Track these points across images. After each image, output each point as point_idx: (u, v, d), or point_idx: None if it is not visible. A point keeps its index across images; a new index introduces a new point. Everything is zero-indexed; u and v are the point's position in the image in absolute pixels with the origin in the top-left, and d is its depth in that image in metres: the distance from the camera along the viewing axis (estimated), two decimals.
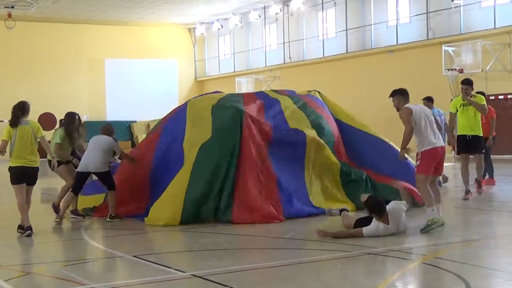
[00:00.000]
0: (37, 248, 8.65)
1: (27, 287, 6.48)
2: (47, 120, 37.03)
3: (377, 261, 7.24)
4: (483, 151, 12.26)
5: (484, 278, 6.32)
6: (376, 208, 8.44)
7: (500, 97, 24.79)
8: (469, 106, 11.82)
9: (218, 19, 39.36)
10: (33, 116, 36.35)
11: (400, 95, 9.30)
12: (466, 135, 11.94)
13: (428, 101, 14.08)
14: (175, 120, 11.64)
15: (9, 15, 33.42)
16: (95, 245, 8.54)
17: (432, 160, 8.93)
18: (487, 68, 24.50)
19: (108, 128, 11.17)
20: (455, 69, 25.15)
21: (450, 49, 25.70)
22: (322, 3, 32.82)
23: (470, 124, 11.89)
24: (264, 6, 36.06)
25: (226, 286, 6.01)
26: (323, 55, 32.65)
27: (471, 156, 12.22)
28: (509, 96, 24.56)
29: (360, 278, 6.36)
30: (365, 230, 8.33)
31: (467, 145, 12.00)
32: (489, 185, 14.08)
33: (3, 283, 6.31)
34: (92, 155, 10.54)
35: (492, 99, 24.94)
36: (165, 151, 11.16)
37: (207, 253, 7.80)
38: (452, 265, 6.73)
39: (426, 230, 8.59)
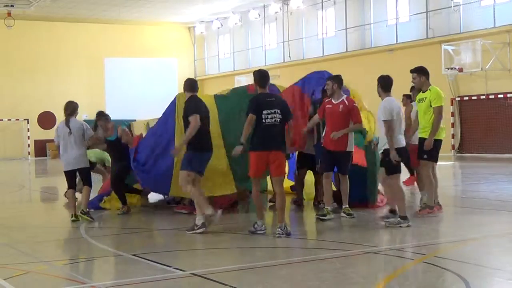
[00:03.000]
0: (36, 246, 8.64)
1: (27, 285, 6.47)
2: (46, 119, 37.05)
3: (377, 260, 7.24)
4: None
5: (484, 277, 6.32)
6: None
7: (499, 96, 24.82)
8: (423, 102, 9.82)
9: (217, 18, 39.37)
10: (32, 115, 36.46)
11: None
12: (420, 137, 9.89)
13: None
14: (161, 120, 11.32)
15: (9, 14, 33.50)
16: (95, 244, 8.53)
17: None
18: (487, 67, 24.51)
19: (67, 106, 10.32)
20: (455, 68, 25.17)
21: (449, 48, 25.72)
22: (322, 2, 32.84)
23: (421, 124, 9.90)
24: (264, 5, 36.07)
25: (225, 285, 6.01)
26: (323, 54, 32.68)
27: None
28: (508, 95, 24.58)
29: (360, 277, 6.36)
30: None
31: (420, 149, 9.87)
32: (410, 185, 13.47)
33: (3, 281, 6.30)
34: (68, 150, 10.08)
35: (492, 98, 25.01)
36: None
37: (207, 252, 7.80)
38: (452, 264, 6.72)
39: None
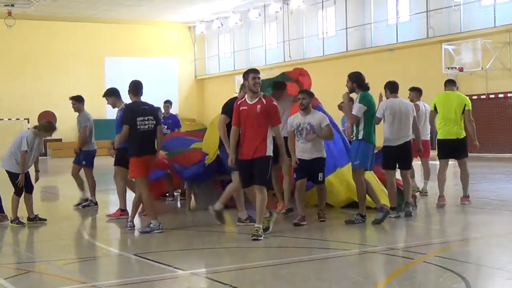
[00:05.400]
0: (37, 246, 8.65)
1: (27, 285, 6.47)
2: (46, 118, 37.03)
3: (377, 259, 7.24)
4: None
5: (485, 277, 6.32)
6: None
7: (500, 95, 24.81)
8: None
9: (218, 18, 39.36)
10: (33, 114, 36.22)
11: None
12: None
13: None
14: None
15: (9, 14, 33.49)
16: (95, 244, 8.53)
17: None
18: (487, 67, 24.49)
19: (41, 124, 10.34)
20: (455, 68, 25.16)
21: (450, 47, 25.70)
22: (322, 1, 32.84)
23: None
24: (264, 5, 36.06)
25: (225, 284, 6.01)
26: (323, 53, 32.68)
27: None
28: (509, 95, 24.57)
29: (360, 276, 6.36)
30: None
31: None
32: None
33: (3, 281, 6.31)
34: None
35: (492, 98, 25.00)
36: None
37: (207, 252, 7.80)
38: (452, 264, 6.72)
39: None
